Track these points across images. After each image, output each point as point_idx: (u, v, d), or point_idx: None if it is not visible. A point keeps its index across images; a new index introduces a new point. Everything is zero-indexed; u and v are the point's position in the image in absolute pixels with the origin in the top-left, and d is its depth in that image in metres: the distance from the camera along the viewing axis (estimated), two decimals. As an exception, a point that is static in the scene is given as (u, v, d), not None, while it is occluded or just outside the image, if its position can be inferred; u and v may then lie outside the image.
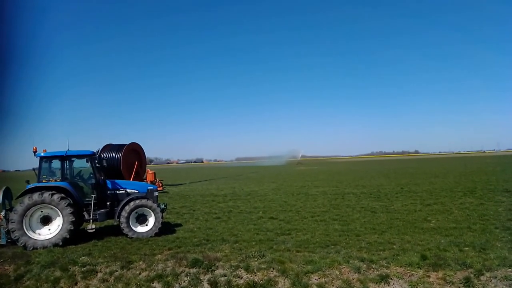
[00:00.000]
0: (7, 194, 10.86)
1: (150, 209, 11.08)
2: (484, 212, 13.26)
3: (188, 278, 7.31)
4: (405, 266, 7.33)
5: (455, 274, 6.90)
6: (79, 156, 11.38)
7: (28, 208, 9.95)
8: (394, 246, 8.90)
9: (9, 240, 10.11)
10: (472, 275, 6.79)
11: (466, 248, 8.43)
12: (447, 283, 6.67)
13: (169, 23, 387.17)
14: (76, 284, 7.34)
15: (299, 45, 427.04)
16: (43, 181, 10.75)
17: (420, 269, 7.18)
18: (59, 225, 10.16)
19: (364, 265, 7.42)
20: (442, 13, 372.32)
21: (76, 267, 7.95)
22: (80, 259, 8.46)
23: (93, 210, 10.85)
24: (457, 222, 11.61)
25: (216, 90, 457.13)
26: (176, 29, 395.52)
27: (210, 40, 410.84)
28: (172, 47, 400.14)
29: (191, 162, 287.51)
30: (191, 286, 7.12)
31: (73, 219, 10.15)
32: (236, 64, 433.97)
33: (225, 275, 7.34)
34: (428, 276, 6.90)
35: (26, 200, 10.00)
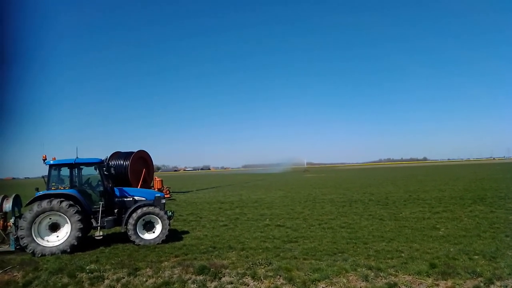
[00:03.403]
0: (17, 201, 11.01)
1: (157, 216, 11.13)
2: (494, 220, 13.07)
3: (195, 285, 7.30)
4: (413, 275, 7.24)
5: (464, 283, 6.80)
6: (88, 163, 11.51)
7: (37, 215, 10.06)
8: (403, 254, 8.80)
9: (18, 247, 10.20)
10: (482, 284, 6.68)
11: (476, 257, 8.31)
12: (456, 292, 6.58)
13: (175, 29, 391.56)
14: (83, 291, 7.37)
15: (307, 52, 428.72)
16: (52, 188, 10.87)
17: (429, 277, 7.09)
18: (67, 232, 10.24)
19: (372, 273, 7.34)
20: (451, 20, 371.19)
21: (84, 274, 7.99)
22: (88, 266, 8.51)
23: (101, 217, 10.92)
24: (467, 230, 11.45)
25: (223, 97, 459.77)
26: (182, 35, 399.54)
27: (216, 46, 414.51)
28: (179, 54, 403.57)
29: (198, 170, 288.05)
30: (198, 293, 7.11)
31: (81, 226, 10.23)
32: (243, 71, 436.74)
33: (231, 283, 7.32)
34: (437, 285, 6.80)
35: (35, 207, 10.11)
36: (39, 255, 9.75)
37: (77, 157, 11.37)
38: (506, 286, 6.56)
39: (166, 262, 8.75)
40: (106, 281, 7.66)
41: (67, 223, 10.25)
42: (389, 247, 9.61)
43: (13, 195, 10.93)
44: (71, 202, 10.40)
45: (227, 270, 7.89)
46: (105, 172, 11.44)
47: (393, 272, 7.41)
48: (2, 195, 10.86)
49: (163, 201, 11.95)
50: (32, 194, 10.74)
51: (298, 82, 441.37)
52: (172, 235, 11.63)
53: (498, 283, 6.68)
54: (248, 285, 7.23)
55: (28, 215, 10.02)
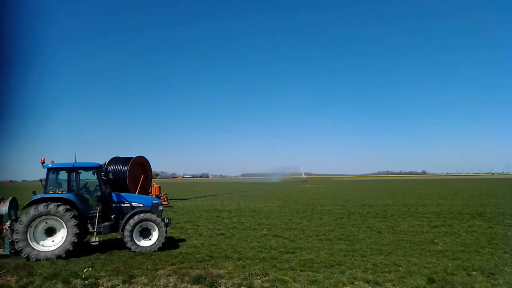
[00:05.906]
0: (13, 204, 10.93)
1: (154, 223, 11.06)
2: (493, 235, 13.02)
3: (190, 294, 7.22)
4: (411, 289, 7.18)
5: (463, 299, 6.74)
6: (86, 168, 11.47)
7: (33, 219, 9.97)
8: (400, 268, 8.73)
9: (12, 251, 10.10)
10: (480, 301, 6.62)
11: (474, 273, 8.26)
12: (454, 308, 6.51)
13: (177, 34, 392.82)
14: (77, 297, 7.29)
15: (308, 63, 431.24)
16: (50, 192, 10.82)
17: (427, 292, 7.03)
18: (63, 237, 10.16)
19: (369, 287, 7.29)
20: (449, 33, 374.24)
21: (78, 280, 7.91)
22: (83, 271, 8.42)
23: (98, 223, 10.86)
24: (465, 246, 11.39)
25: (223, 105, 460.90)
26: (184, 41, 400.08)
27: (216, 53, 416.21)
28: (180, 60, 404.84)
29: (197, 177, 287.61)
30: (193, 303, 7.03)
31: (77, 231, 10.14)
32: (243, 80, 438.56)
33: (227, 293, 7.24)
34: (435, 300, 6.74)
35: (32, 211, 10.03)
36: (34, 260, 9.66)
37: (75, 161, 11.34)
38: (505, 304, 6.50)
39: (161, 270, 8.67)
40: (101, 288, 7.57)
41: (63, 227, 10.17)
42: (387, 261, 9.54)
43: (10, 198, 10.84)
44: (68, 207, 10.33)
45: (223, 280, 7.82)
46: (103, 177, 11.39)
47: (391, 286, 7.36)
48: (-1, 198, 10.78)
49: (161, 208, 11.89)
50: (29, 198, 10.68)
51: (298, 92, 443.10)
52: (168, 243, 11.54)
53: (496, 300, 6.62)
54: (244, 296, 7.15)
55: (24, 218, 9.94)
